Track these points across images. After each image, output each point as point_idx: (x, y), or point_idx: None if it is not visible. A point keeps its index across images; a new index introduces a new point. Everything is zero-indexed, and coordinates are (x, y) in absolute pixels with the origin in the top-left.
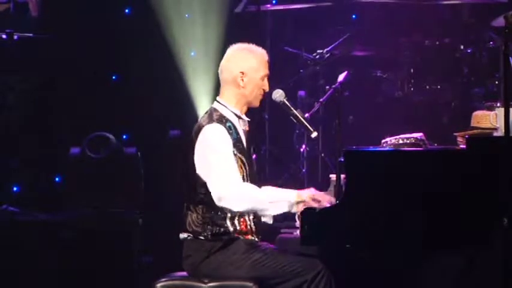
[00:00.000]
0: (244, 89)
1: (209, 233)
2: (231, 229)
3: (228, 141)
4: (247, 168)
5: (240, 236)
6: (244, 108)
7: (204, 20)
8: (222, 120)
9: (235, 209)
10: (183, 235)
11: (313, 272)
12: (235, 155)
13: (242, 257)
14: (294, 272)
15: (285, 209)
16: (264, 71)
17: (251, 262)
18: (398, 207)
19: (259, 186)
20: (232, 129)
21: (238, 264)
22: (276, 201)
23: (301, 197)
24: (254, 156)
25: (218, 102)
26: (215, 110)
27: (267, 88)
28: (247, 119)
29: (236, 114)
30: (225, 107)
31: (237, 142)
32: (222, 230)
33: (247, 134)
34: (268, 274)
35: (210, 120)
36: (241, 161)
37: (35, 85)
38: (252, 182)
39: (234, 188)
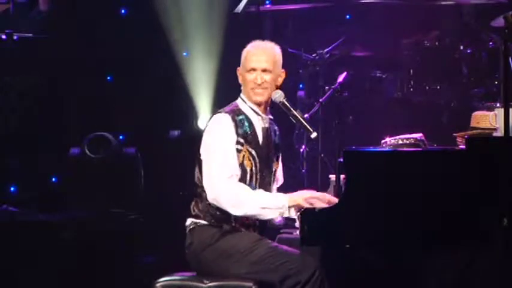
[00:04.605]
0: (242, 85)
1: (212, 218)
2: (233, 219)
3: (229, 132)
4: (257, 161)
5: (242, 228)
6: (259, 102)
7: (203, 20)
8: (235, 112)
9: (230, 211)
10: (187, 222)
11: (307, 274)
12: (242, 145)
13: (242, 250)
14: (288, 274)
15: (276, 215)
16: (248, 64)
17: (249, 258)
18: (398, 207)
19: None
20: (244, 123)
21: (237, 258)
22: (267, 207)
23: (295, 201)
24: None
25: (240, 97)
26: (234, 103)
27: (256, 79)
28: (266, 116)
29: (254, 110)
30: (245, 102)
31: (247, 135)
32: (224, 216)
33: (269, 131)
34: (265, 272)
35: (222, 110)
36: (250, 154)
37: (35, 85)
38: (262, 177)
39: (225, 192)
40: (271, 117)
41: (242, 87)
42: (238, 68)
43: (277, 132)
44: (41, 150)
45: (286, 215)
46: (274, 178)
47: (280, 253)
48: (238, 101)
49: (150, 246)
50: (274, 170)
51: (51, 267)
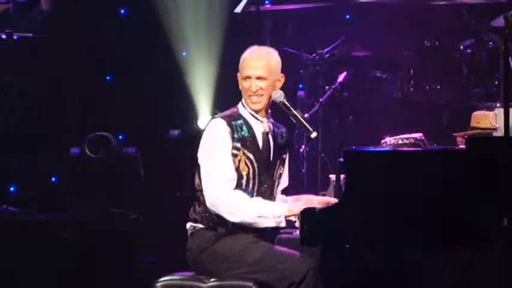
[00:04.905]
0: (241, 90)
1: (209, 222)
2: (230, 222)
3: (224, 137)
4: (255, 166)
5: (239, 230)
6: (256, 109)
7: (203, 20)
8: (234, 116)
9: (227, 217)
10: (187, 225)
11: (300, 274)
12: (238, 149)
13: (237, 252)
14: (283, 275)
15: (272, 225)
16: (244, 72)
17: (245, 260)
18: (398, 207)
19: (273, 186)
20: (242, 127)
21: (233, 260)
22: (263, 216)
23: (293, 211)
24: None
25: (241, 101)
26: (235, 107)
27: (251, 87)
28: (267, 120)
29: (253, 115)
30: (244, 107)
31: (245, 140)
32: (221, 220)
33: (271, 135)
34: (261, 274)
35: (219, 115)
36: (248, 158)
37: (35, 85)
38: (260, 182)
39: (222, 199)
40: (272, 120)
41: (242, 93)
42: (238, 73)
43: (285, 135)
44: (41, 150)
45: (283, 224)
46: (278, 182)
47: (275, 254)
48: (239, 105)
49: (150, 246)
50: (278, 173)
51: (51, 267)
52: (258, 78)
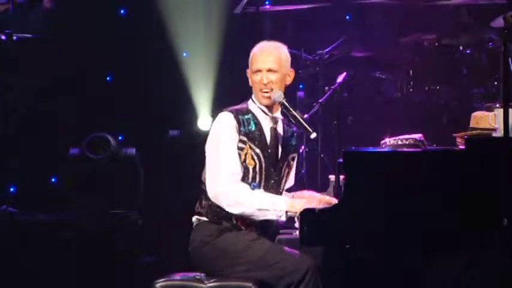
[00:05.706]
0: (252, 87)
1: (213, 215)
2: (234, 217)
3: (230, 130)
4: (262, 161)
5: (243, 227)
6: (267, 104)
7: (203, 20)
8: (242, 111)
9: (227, 209)
10: (193, 219)
11: (299, 274)
12: (244, 143)
13: (239, 248)
14: (282, 274)
15: (273, 218)
16: (255, 65)
17: (245, 257)
18: (398, 208)
19: (280, 183)
20: (250, 122)
21: (233, 256)
22: (264, 209)
23: (294, 207)
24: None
25: (251, 97)
26: (245, 102)
27: (262, 80)
28: (277, 116)
29: (263, 110)
30: (254, 103)
31: (252, 134)
32: (225, 214)
33: (280, 132)
34: (261, 271)
35: (227, 109)
36: (254, 152)
37: (35, 85)
38: (267, 177)
39: (224, 190)
40: (282, 117)
41: (252, 89)
42: (248, 70)
43: (295, 134)
44: (41, 150)
45: (283, 218)
46: (286, 179)
47: (276, 253)
48: (249, 101)
49: (150, 246)
50: (286, 171)
51: (51, 267)
52: (269, 70)
